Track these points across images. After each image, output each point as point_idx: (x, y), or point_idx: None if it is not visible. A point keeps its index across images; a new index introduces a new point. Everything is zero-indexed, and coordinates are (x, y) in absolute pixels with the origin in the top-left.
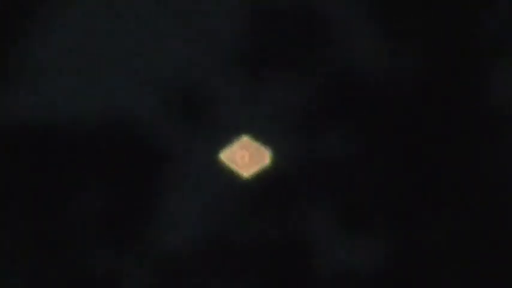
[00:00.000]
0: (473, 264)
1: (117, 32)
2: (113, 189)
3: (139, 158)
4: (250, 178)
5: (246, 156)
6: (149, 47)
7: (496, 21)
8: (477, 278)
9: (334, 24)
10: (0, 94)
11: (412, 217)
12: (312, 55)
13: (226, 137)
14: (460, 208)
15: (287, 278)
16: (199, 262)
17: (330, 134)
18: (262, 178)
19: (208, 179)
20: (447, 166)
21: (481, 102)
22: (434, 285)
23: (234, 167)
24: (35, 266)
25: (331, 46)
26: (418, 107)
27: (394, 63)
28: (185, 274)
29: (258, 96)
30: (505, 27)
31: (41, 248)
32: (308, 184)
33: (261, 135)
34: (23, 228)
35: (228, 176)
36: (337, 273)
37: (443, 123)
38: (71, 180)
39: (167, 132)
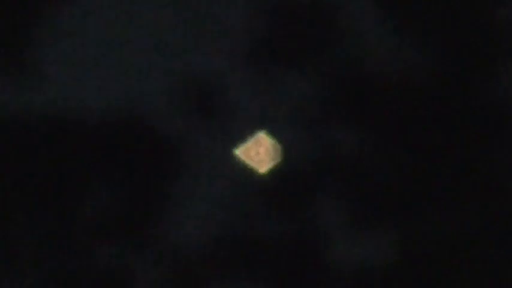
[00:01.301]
0: (480, 258)
1: (128, 24)
2: (123, 184)
3: (151, 152)
4: (264, 174)
5: (260, 152)
6: (161, 39)
7: (508, 19)
8: (484, 271)
9: (346, 18)
10: (8, 88)
11: (422, 211)
12: (324, 50)
13: (241, 133)
14: (468, 202)
15: (300, 272)
16: (211, 259)
17: (342, 129)
18: (277, 174)
19: (222, 175)
20: (457, 161)
21: (490, 98)
22: (444, 278)
23: (248, 163)
24: (41, 264)
25: (343, 40)
26: (429, 102)
27: (405, 57)
28: (197, 270)
29: (271, 91)
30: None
31: (47, 245)
32: (321, 179)
33: (275, 131)
34: (30, 224)
35: (242, 172)
36: (349, 267)
37: (453, 118)
38: (80, 175)
39: (180, 127)
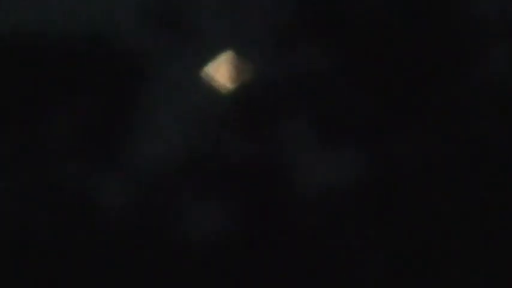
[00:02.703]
0: (452, 177)
1: None
2: (92, 101)
3: (120, 71)
4: (232, 92)
5: (228, 70)
6: None
7: None
8: (457, 189)
9: None
10: None
11: (390, 131)
12: None
13: (210, 51)
14: (432, 126)
15: (268, 193)
16: (178, 176)
17: (311, 48)
18: (245, 92)
19: (191, 92)
20: (423, 83)
21: (464, 17)
22: (415, 197)
23: (217, 80)
24: (13, 180)
25: None
26: (400, 23)
27: None
28: (162, 188)
29: (240, 8)
30: None
31: (19, 160)
32: (289, 98)
33: (244, 49)
34: (2, 140)
35: (211, 89)
36: (318, 188)
37: (426, 40)
38: (50, 93)
39: (148, 44)
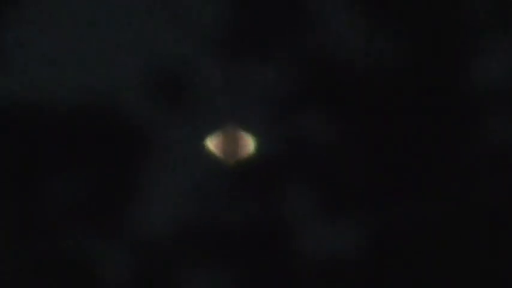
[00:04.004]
0: (453, 249)
1: (98, 16)
2: (92, 171)
3: (121, 141)
4: (234, 165)
5: (231, 144)
6: (132, 29)
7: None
8: (456, 262)
9: (315, 8)
10: None
11: (392, 201)
12: (293, 39)
13: (212, 124)
14: (442, 192)
15: (268, 261)
16: (179, 245)
17: (311, 119)
18: (246, 165)
19: (191, 165)
20: (427, 152)
21: (464, 89)
22: (415, 268)
23: (218, 154)
24: (10, 248)
25: (312, 30)
26: (400, 93)
27: (376, 47)
28: (164, 256)
29: (240, 81)
30: (486, 6)
31: (17, 230)
32: (290, 169)
33: (245, 122)
34: None
35: (212, 163)
36: (318, 257)
37: (425, 109)
38: (49, 163)
39: (149, 116)
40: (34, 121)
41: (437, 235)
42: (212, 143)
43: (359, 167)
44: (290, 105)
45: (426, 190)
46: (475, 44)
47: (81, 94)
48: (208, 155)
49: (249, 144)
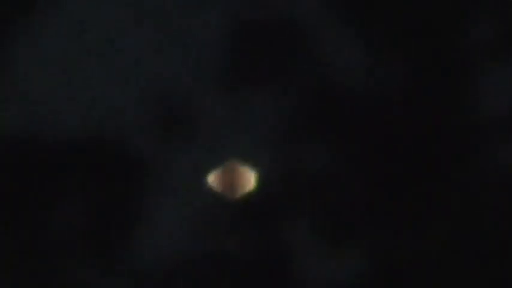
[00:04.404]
0: (456, 277)
1: (99, 45)
2: (93, 202)
3: (122, 172)
4: (235, 200)
5: (233, 180)
6: (132, 57)
7: (478, 28)
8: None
9: (314, 36)
10: None
11: (394, 231)
12: (292, 69)
13: (210, 158)
14: (443, 221)
15: None
16: (178, 276)
17: (313, 149)
18: (247, 200)
19: (192, 200)
20: (430, 179)
21: (467, 110)
22: None
23: (219, 189)
24: (12, 278)
25: (312, 59)
26: (402, 117)
27: (375, 73)
28: (164, 287)
29: (241, 114)
30: (487, 34)
31: (18, 259)
32: (292, 202)
33: (246, 155)
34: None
35: (213, 197)
36: (320, 286)
37: (428, 133)
38: (50, 191)
39: (150, 149)
40: (34, 150)
41: (438, 264)
42: (213, 178)
43: (360, 197)
44: (290, 136)
45: (427, 219)
46: (478, 69)
47: (82, 125)
48: (209, 189)
49: (249, 178)
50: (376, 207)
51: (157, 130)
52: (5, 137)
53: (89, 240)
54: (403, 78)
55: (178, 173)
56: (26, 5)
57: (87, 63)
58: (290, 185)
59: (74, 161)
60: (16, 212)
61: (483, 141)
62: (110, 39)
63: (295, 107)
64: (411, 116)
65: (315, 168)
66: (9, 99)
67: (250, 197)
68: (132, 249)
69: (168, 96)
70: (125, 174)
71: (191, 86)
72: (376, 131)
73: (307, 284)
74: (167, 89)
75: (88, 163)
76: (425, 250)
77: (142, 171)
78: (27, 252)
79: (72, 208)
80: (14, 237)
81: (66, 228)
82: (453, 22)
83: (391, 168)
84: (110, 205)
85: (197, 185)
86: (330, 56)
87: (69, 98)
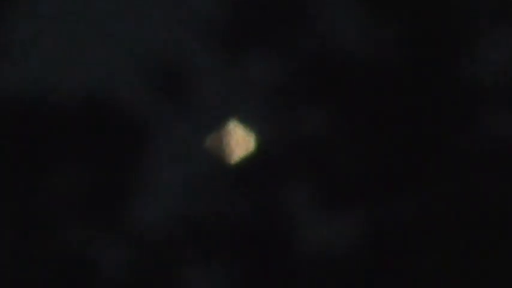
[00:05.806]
0: (451, 243)
1: (97, 9)
2: (91, 165)
3: (120, 138)
4: (235, 163)
5: (231, 142)
6: (131, 24)
7: None
8: (455, 257)
9: (315, 4)
10: None
11: (391, 196)
12: (292, 33)
13: (212, 121)
14: (439, 187)
15: (268, 256)
16: (177, 239)
17: (312, 114)
18: (246, 162)
19: (191, 162)
20: (427, 145)
21: (462, 83)
22: (413, 262)
23: (220, 151)
24: (11, 242)
25: (312, 23)
26: (400, 85)
27: (375, 39)
28: (162, 250)
29: (240, 76)
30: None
31: (17, 223)
32: (291, 165)
33: (245, 118)
34: None
35: (213, 159)
36: (318, 252)
37: (425, 104)
38: (51, 154)
39: (148, 113)
40: (34, 116)
41: (435, 231)
42: (213, 141)
43: (358, 163)
44: (290, 99)
45: (425, 186)
46: (475, 37)
47: (80, 90)
48: (207, 152)
49: (248, 141)
50: (375, 174)
51: (156, 93)
52: (4, 99)
53: (89, 202)
54: (403, 43)
55: (177, 135)
56: None
57: (84, 25)
58: (288, 148)
59: (74, 124)
60: (17, 174)
61: (480, 109)
62: (105, 2)
63: (295, 70)
64: (410, 81)
65: (313, 131)
66: (8, 63)
67: (248, 159)
68: (131, 210)
69: (167, 60)
70: (124, 137)
71: (190, 49)
72: (375, 96)
73: (304, 249)
74: (166, 53)
75: (88, 126)
76: (423, 215)
77: (141, 134)
78: (28, 213)
79: (73, 171)
80: (14, 199)
81: (66, 190)
82: None
83: (390, 133)
84: (109, 168)
85: (196, 147)
86: (330, 19)
87: (67, 62)
